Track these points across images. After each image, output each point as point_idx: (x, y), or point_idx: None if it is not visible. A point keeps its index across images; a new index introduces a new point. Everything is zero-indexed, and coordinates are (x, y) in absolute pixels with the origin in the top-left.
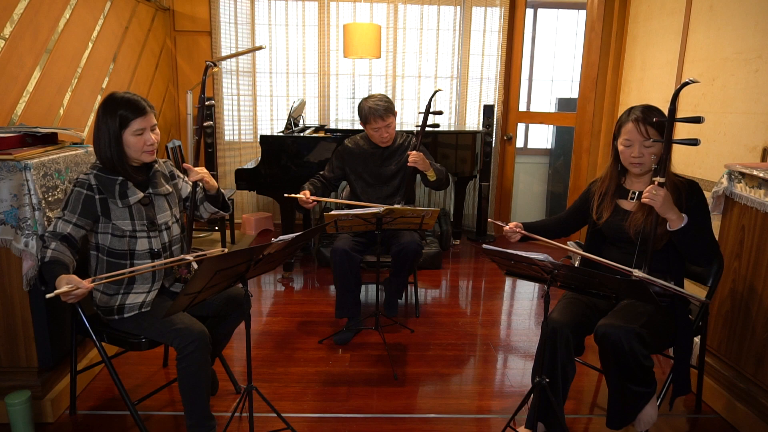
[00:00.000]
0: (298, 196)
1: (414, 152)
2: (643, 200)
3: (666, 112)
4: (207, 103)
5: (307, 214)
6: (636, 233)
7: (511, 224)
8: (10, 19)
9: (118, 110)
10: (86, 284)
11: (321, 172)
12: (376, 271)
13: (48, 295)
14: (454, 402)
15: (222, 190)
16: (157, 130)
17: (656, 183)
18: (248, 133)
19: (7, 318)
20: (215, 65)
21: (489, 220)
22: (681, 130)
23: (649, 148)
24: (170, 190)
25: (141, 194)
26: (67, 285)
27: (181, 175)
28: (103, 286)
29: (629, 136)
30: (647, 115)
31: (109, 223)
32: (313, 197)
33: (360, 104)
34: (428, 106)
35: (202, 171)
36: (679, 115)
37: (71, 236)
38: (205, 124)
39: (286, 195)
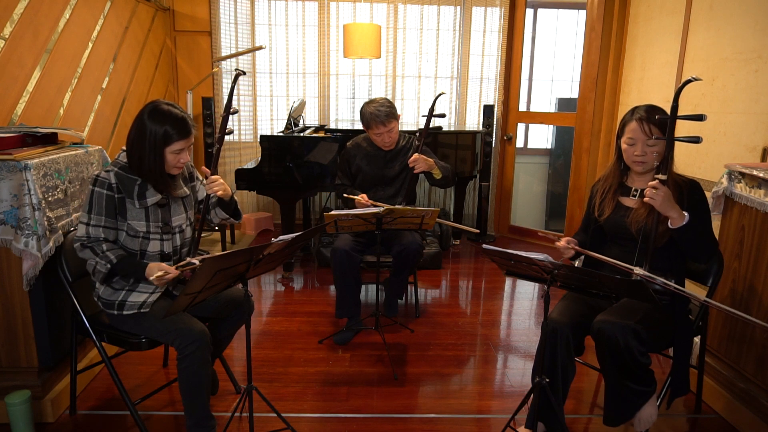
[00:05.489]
0: (357, 198)
1: (414, 156)
2: (645, 199)
3: (668, 112)
4: (231, 112)
5: (307, 214)
6: (637, 230)
7: (564, 239)
8: (10, 19)
9: (166, 124)
10: (174, 270)
11: (339, 183)
12: (376, 271)
13: (151, 278)
14: (454, 402)
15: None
16: (192, 146)
17: (658, 180)
18: (248, 133)
19: (7, 318)
20: (244, 73)
21: (540, 232)
22: (682, 129)
23: (652, 147)
24: (188, 192)
25: (159, 196)
26: (159, 271)
27: (200, 178)
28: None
29: (632, 134)
30: (651, 114)
31: (125, 222)
32: (370, 201)
33: (362, 109)
34: (431, 110)
35: (221, 184)
36: (680, 114)
37: (108, 240)
38: (226, 131)
39: (345, 195)
